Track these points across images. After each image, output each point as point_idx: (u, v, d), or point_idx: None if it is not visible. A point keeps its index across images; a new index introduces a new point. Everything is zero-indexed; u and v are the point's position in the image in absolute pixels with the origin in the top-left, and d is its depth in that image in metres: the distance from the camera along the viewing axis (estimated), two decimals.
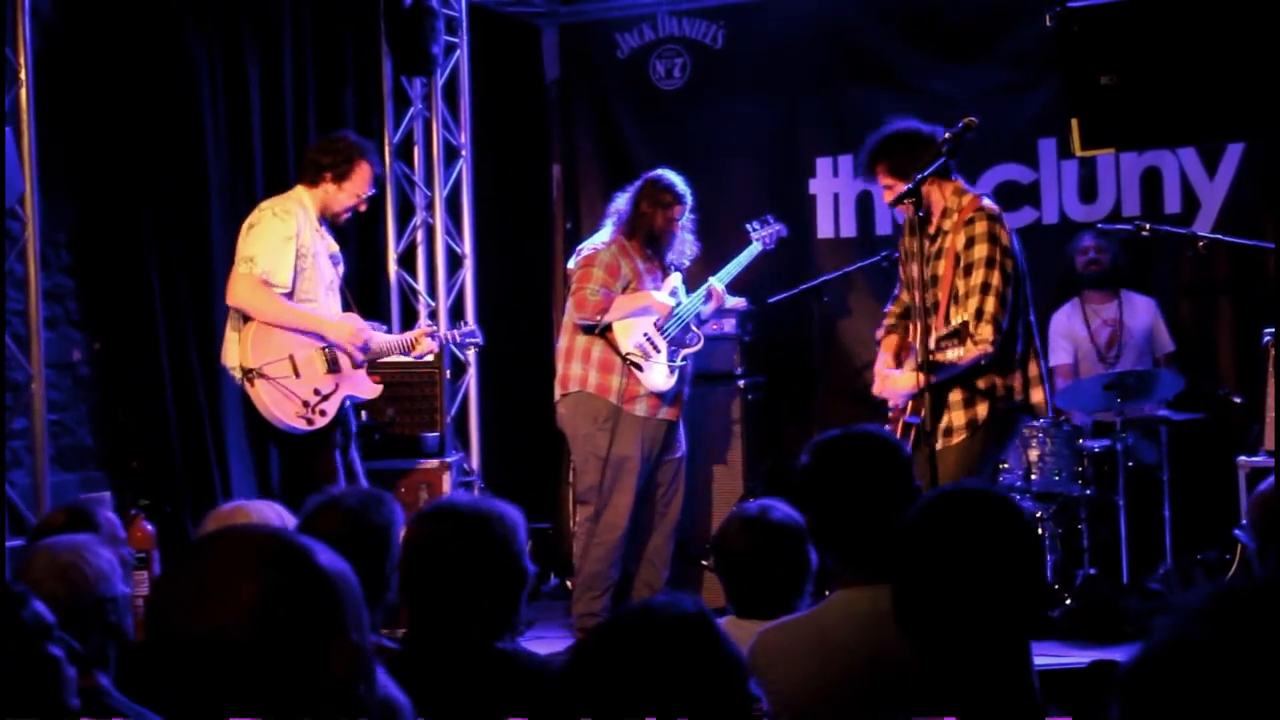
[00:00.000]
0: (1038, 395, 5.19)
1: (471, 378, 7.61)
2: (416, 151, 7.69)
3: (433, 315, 7.59)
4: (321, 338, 5.71)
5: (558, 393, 6.54)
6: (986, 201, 5.18)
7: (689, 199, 6.52)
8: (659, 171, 6.57)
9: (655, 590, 6.59)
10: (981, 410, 5.08)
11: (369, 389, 5.91)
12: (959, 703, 2.14)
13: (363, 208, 6.02)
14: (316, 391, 5.64)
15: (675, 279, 6.61)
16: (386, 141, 7.55)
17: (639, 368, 6.38)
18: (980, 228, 5.03)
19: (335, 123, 7.20)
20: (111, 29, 6.26)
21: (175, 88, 6.42)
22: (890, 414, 5.34)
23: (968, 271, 5.01)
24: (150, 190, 6.36)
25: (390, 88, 7.60)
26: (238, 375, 5.62)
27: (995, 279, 4.98)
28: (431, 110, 7.65)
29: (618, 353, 6.39)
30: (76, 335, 6.27)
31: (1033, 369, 5.18)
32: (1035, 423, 6.17)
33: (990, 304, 4.96)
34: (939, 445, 5.02)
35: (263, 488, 6.70)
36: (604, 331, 6.41)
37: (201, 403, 6.41)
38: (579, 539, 6.59)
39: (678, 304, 6.51)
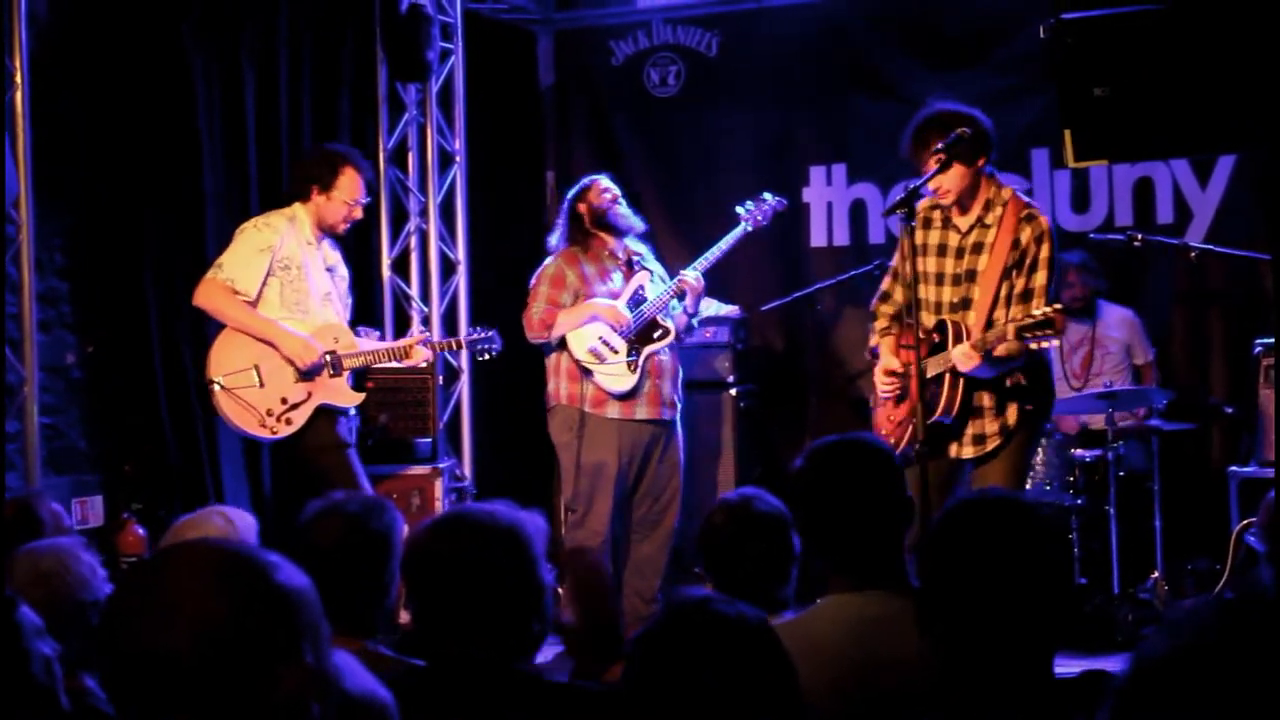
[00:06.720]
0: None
1: (465, 383, 7.61)
2: (411, 158, 7.68)
3: (426, 321, 7.58)
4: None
5: (547, 406, 6.59)
6: (1026, 197, 5.23)
7: (602, 177, 6.59)
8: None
9: (645, 599, 6.57)
10: (1011, 416, 5.08)
11: (349, 397, 5.88)
12: (979, 710, 2.14)
13: (358, 214, 5.98)
14: (284, 400, 5.64)
15: (641, 277, 6.57)
16: (381, 147, 7.56)
17: (590, 372, 6.39)
18: (1044, 224, 5.06)
19: (330, 128, 7.21)
20: (108, 33, 6.27)
21: (171, 92, 6.43)
22: (876, 415, 5.34)
23: (1033, 268, 5.01)
24: (145, 194, 6.37)
25: (385, 93, 7.60)
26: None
27: (1053, 283, 5.06)
28: (426, 116, 7.66)
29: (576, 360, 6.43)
30: (70, 338, 6.27)
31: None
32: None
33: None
34: (969, 453, 5.06)
35: (255, 491, 6.70)
36: (562, 344, 6.44)
37: (195, 407, 6.41)
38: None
39: (640, 300, 6.50)
